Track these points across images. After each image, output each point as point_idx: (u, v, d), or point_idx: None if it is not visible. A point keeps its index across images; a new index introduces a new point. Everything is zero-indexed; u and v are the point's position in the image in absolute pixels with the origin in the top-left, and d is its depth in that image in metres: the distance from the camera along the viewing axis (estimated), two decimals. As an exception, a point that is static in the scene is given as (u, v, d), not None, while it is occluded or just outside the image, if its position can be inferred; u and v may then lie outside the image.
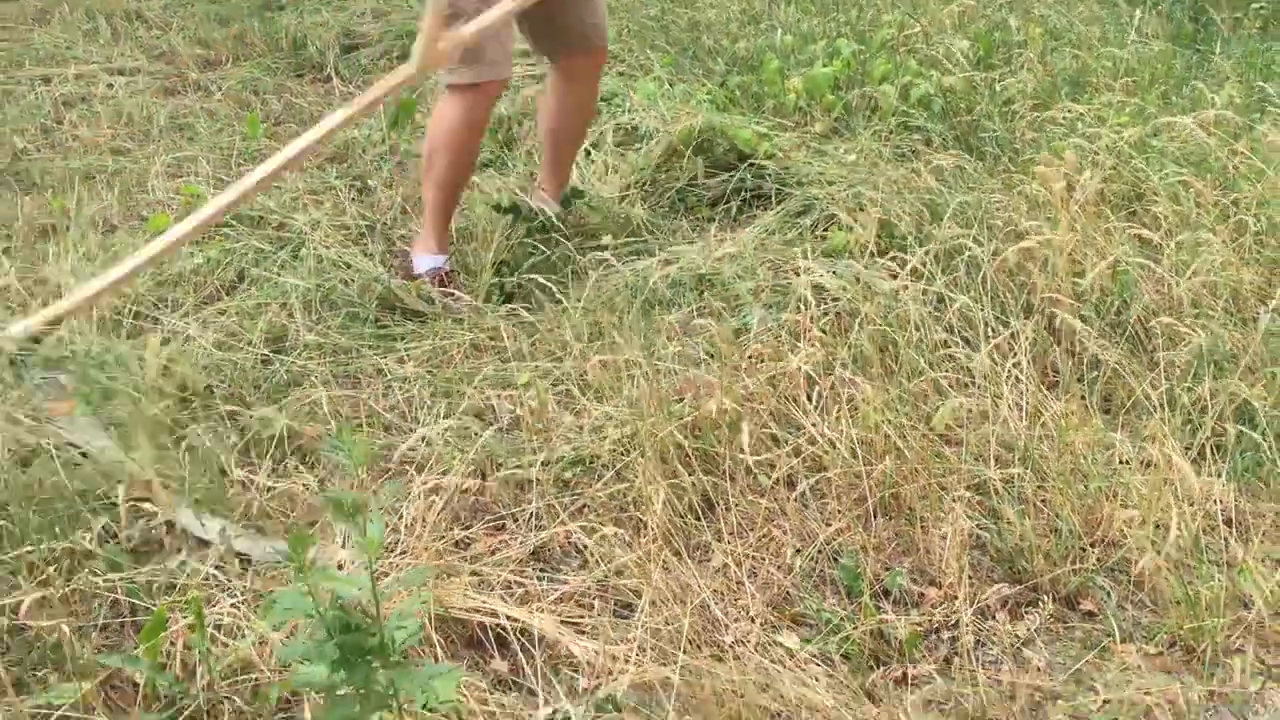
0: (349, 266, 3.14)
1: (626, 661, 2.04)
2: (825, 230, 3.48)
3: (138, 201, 3.54)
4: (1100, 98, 4.04)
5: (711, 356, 2.91)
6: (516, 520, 2.37)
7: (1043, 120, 3.90)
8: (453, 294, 3.13)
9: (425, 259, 3.22)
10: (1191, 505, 2.54)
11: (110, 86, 4.49)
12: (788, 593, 2.31)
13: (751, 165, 3.75)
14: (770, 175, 3.73)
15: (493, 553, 2.27)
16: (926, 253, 3.04)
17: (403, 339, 2.89)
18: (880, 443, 2.54)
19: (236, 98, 4.49)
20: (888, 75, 4.22)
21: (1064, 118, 3.86)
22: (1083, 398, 2.81)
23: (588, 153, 3.89)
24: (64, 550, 2.05)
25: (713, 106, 4.06)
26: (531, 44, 3.44)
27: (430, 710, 1.69)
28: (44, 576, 1.97)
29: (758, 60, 4.48)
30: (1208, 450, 2.69)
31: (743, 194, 3.70)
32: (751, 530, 2.41)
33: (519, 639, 2.11)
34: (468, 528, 2.34)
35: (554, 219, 3.39)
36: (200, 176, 3.68)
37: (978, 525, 2.47)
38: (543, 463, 2.51)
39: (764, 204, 3.67)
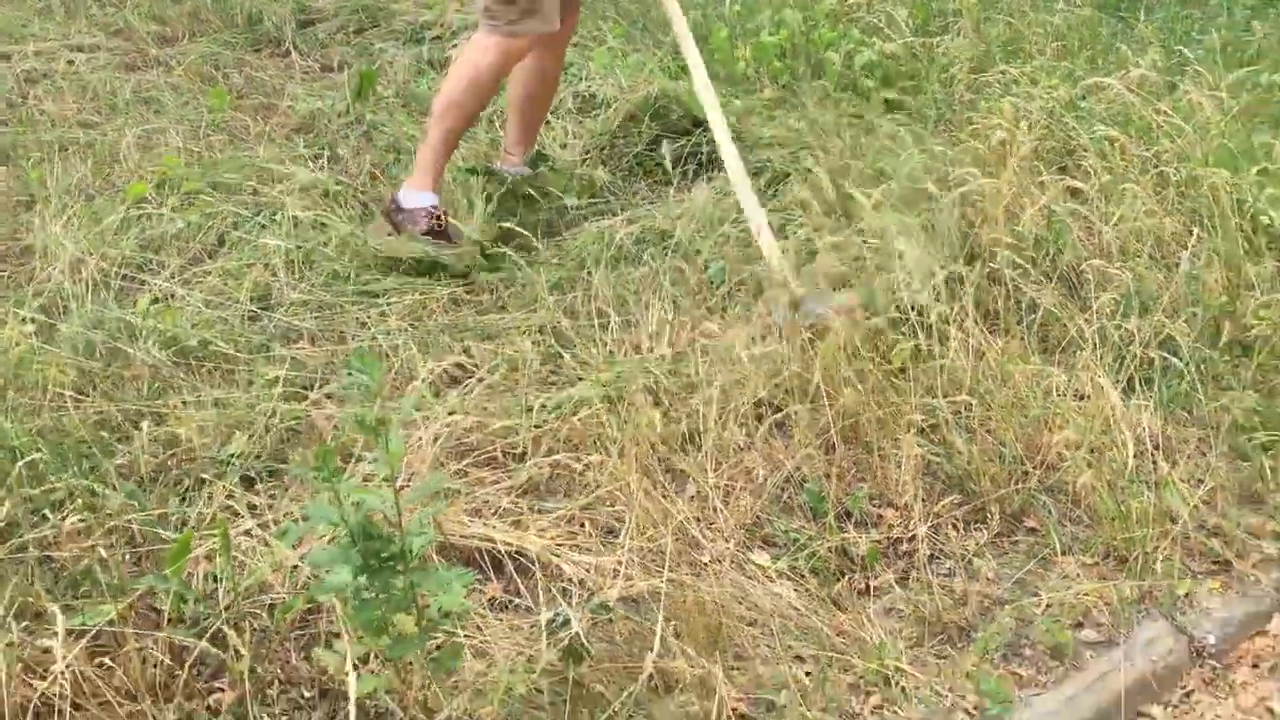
0: (325, 228, 3.26)
1: (615, 576, 2.22)
2: (778, 189, 3.67)
3: (112, 171, 3.63)
4: (1033, 62, 4.27)
5: (678, 306, 3.09)
6: (506, 455, 2.53)
7: (979, 83, 4.11)
8: (445, 238, 3.21)
9: (419, 195, 3.26)
10: (1122, 431, 2.77)
11: (71, 63, 4.54)
12: (758, 516, 2.50)
13: (705, 130, 3.92)
14: (724, 140, 3.90)
15: (485, 484, 2.43)
16: (875, 206, 3.24)
17: (384, 294, 3.03)
18: (840, 379, 2.73)
19: (198, 72, 4.56)
20: (832, 43, 4.41)
21: (999, 80, 4.08)
22: (1022, 338, 3.03)
23: (548, 121, 4.03)
24: (83, 488, 2.17)
25: (666, 75, 4.22)
26: None
27: (445, 615, 1.85)
28: (70, 509, 2.09)
29: (707, 30, 4.64)
30: (1136, 382, 2.92)
31: (698, 157, 3.87)
32: (724, 462, 2.59)
33: (514, 561, 2.28)
34: (460, 464, 2.49)
35: (525, 182, 3.53)
36: (171, 147, 3.76)
37: (929, 452, 2.68)
38: (526, 408, 2.68)
39: (719, 167, 3.84)
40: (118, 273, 2.99)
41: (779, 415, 2.70)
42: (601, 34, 4.74)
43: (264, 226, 3.29)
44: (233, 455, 2.41)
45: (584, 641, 1.99)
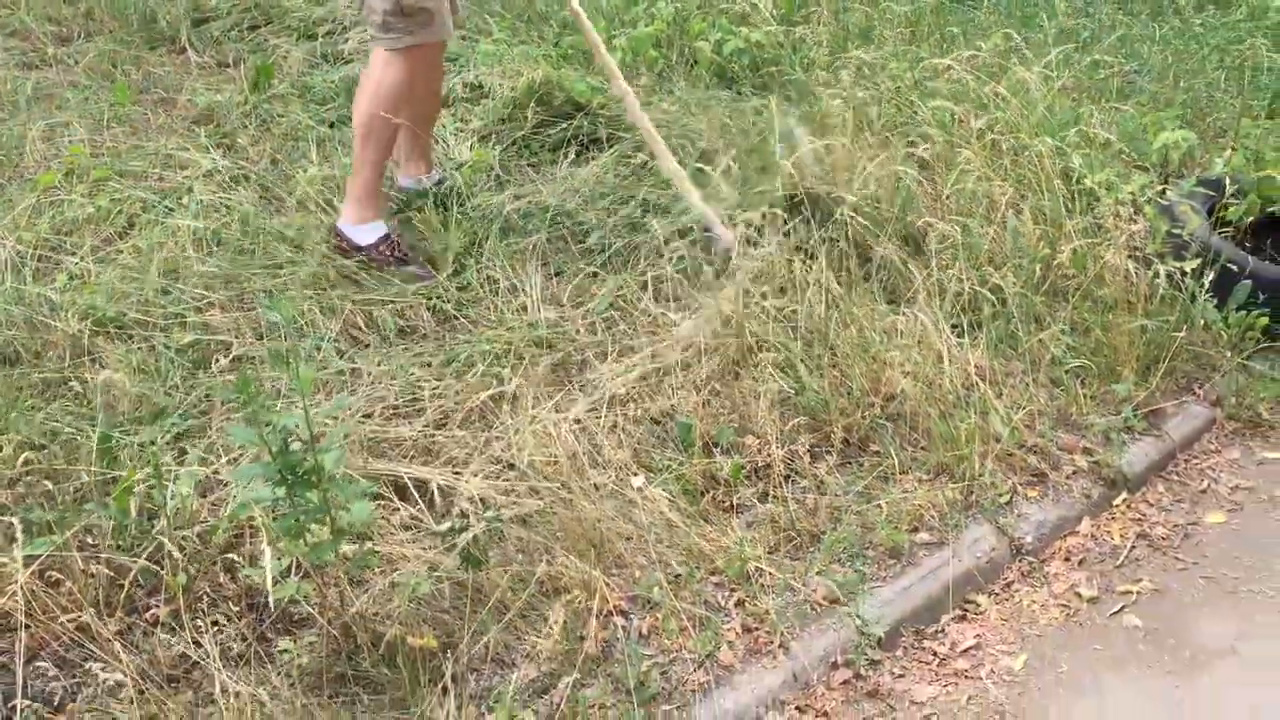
0: (229, 210, 3.49)
1: (509, 495, 2.52)
2: (653, 167, 3.98)
3: (19, 163, 3.80)
4: (885, 48, 4.66)
5: (560, 274, 3.39)
6: (410, 404, 2.81)
7: (836, 67, 4.49)
8: (409, 260, 3.32)
9: (370, 228, 3.32)
10: (954, 367, 3.15)
11: (-32, 63, 4.67)
12: (635, 449, 2.81)
13: (587, 114, 4.23)
14: (604, 123, 4.21)
15: (391, 423, 2.71)
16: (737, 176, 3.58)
17: (285, 266, 3.27)
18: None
19: (96, 69, 4.72)
20: (702, 32, 4.75)
21: (854, 65, 4.46)
22: (871, 292, 3.39)
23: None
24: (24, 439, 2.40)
25: (549, 64, 4.51)
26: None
27: (353, 527, 2.13)
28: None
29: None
30: (967, 325, 3.31)
31: (580, 139, 4.17)
32: (607, 404, 2.90)
33: (418, 489, 2.56)
34: (368, 415, 2.76)
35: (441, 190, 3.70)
36: (75, 140, 3.94)
37: (785, 388, 3.02)
38: (425, 362, 2.96)
39: (599, 148, 4.15)
40: (34, 254, 3.18)
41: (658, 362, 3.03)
42: (489, 26, 5.01)
43: (171, 210, 3.50)
44: (158, 410, 2.65)
45: (481, 548, 2.28)
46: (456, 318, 3.14)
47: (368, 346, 3.03)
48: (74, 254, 3.22)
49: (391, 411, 2.82)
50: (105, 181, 3.57)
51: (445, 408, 2.84)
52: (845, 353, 3.10)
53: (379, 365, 2.92)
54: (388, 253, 3.31)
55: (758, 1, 4.88)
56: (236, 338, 2.95)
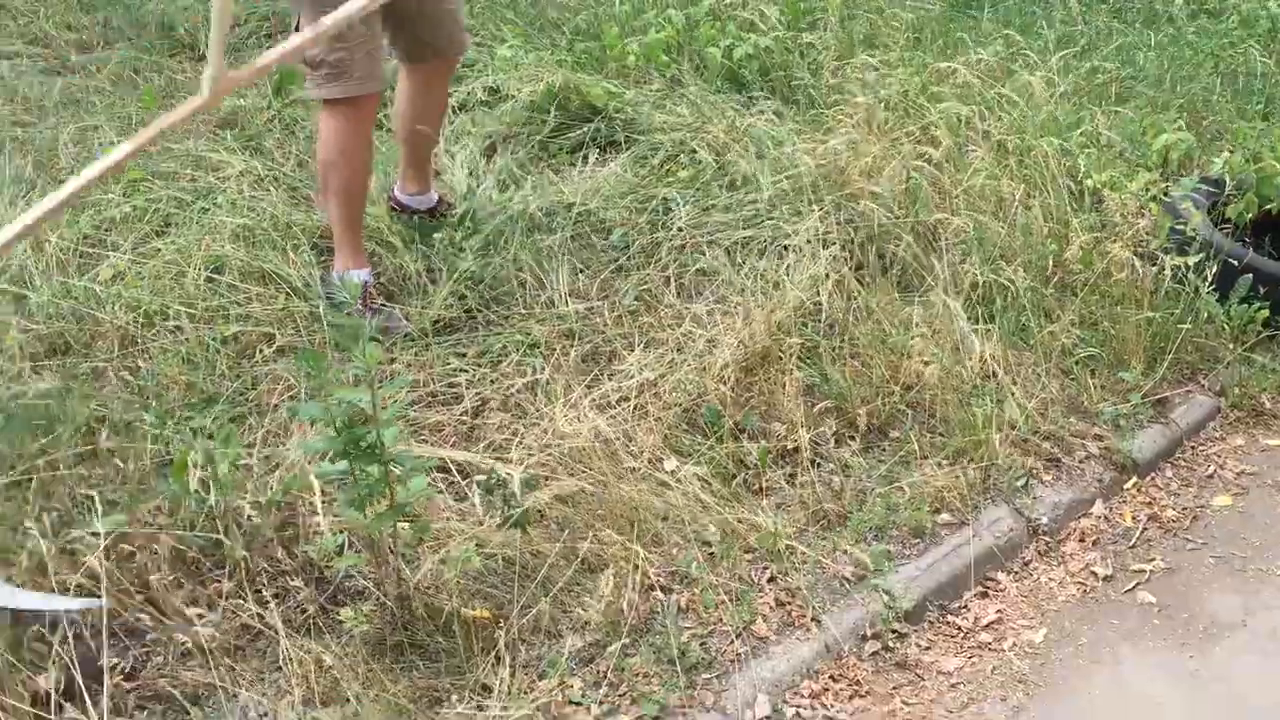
0: (264, 208, 3.58)
1: (548, 480, 2.62)
2: (670, 168, 4.10)
3: (51, 165, 3.89)
4: (891, 53, 4.79)
5: (586, 267, 3.50)
6: (448, 390, 2.91)
7: (844, 71, 4.61)
8: (385, 311, 3.21)
9: (355, 276, 3.18)
10: (969, 357, 3.26)
11: (-6, 69, 4.76)
12: (666, 435, 2.91)
13: (604, 118, 4.34)
14: (620, 126, 4.32)
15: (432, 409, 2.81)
16: (770, 182, 3.70)
17: (321, 260, 3.37)
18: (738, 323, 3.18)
19: (119, 76, 4.81)
20: (712, 38, 4.87)
21: (861, 70, 4.59)
22: (888, 286, 3.51)
23: (455, 111, 4.40)
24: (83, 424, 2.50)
25: (565, 69, 4.62)
26: (393, 48, 3.38)
27: (410, 501, 2.23)
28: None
29: (598, 29, 5.07)
30: (981, 316, 3.42)
31: (598, 142, 4.28)
32: (636, 393, 3.01)
33: (461, 472, 2.66)
34: (411, 403, 2.86)
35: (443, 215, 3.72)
36: (107, 143, 4.03)
37: (808, 377, 3.13)
38: (460, 353, 3.06)
39: (616, 150, 4.26)
40: (77, 250, 3.27)
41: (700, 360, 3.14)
42: (502, 34, 5.12)
43: (205, 210, 3.59)
44: (208, 397, 2.74)
45: (528, 516, 2.38)
46: (487, 311, 3.24)
47: (409, 337, 3.12)
48: (115, 250, 3.31)
49: (431, 398, 2.92)
50: (139, 182, 3.66)
51: (483, 395, 2.94)
52: (865, 343, 3.20)
53: (415, 356, 3.01)
54: (361, 304, 3.17)
55: (765, 9, 5.00)
56: (279, 329, 3.04)
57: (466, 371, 3.00)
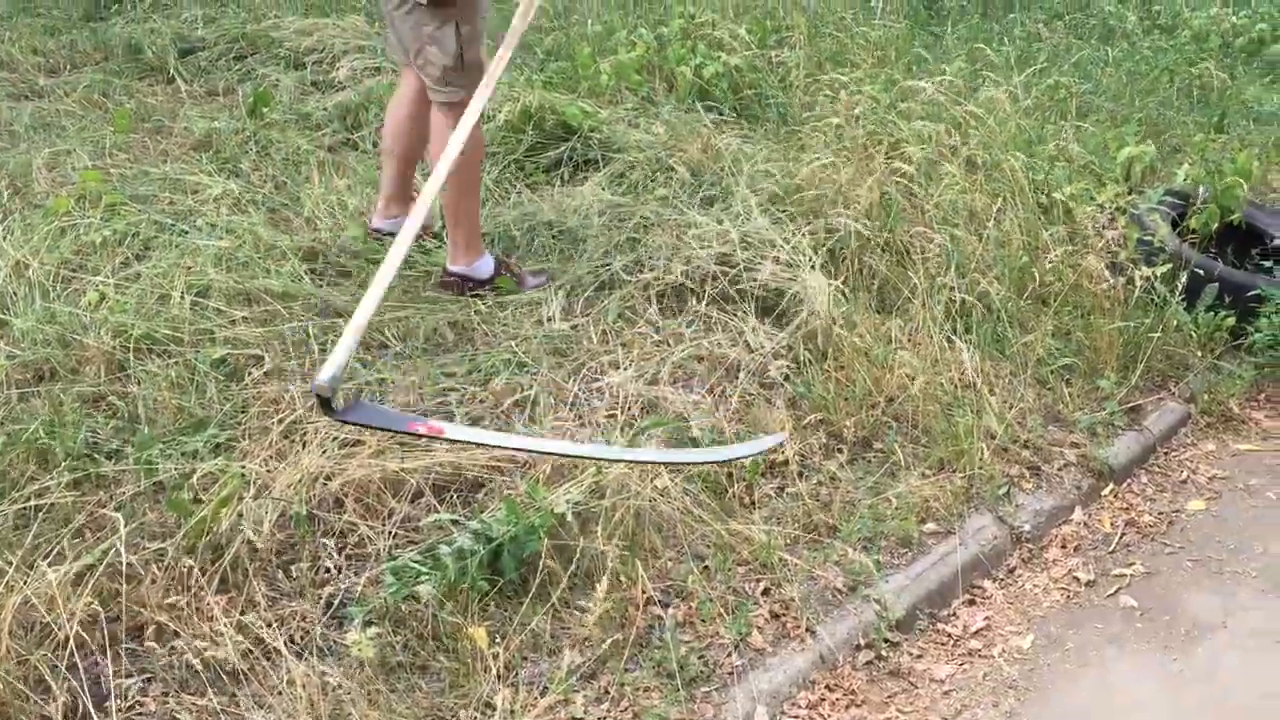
0: (243, 230, 3.58)
1: (546, 491, 2.64)
2: (647, 186, 4.14)
3: (26, 189, 3.86)
4: (858, 71, 4.87)
5: (569, 288, 3.52)
6: (439, 407, 2.93)
7: (814, 89, 4.69)
8: (538, 271, 3.54)
9: (485, 262, 3.45)
10: (950, 369, 3.33)
11: (-40, 94, 4.73)
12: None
13: (579, 137, 4.38)
14: (595, 144, 4.36)
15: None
16: (741, 198, 3.75)
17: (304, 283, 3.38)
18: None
19: (88, 100, 4.79)
20: (683, 58, 4.93)
21: (830, 87, 4.66)
22: (867, 300, 3.56)
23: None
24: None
25: (540, 88, 4.66)
26: (410, 62, 3.37)
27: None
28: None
29: (570, 50, 5.11)
30: (958, 328, 3.49)
31: (573, 161, 4.32)
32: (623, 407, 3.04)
33: (455, 488, 2.68)
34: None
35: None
36: (79, 168, 4.01)
37: (795, 389, 3.18)
38: (450, 372, 3.08)
39: (593, 168, 4.30)
40: (59, 274, 3.26)
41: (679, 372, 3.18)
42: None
43: (186, 232, 3.59)
44: (198, 421, 2.74)
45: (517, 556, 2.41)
46: (475, 330, 3.26)
47: (400, 355, 3.13)
48: (96, 275, 3.29)
49: (424, 414, 2.92)
50: (117, 206, 3.64)
51: (474, 413, 2.96)
52: (850, 356, 3.26)
53: (405, 376, 3.03)
54: (510, 273, 3.49)
55: (734, 28, 5.07)
56: (266, 351, 3.04)
57: (457, 390, 3.02)
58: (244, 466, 2.57)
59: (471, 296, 3.40)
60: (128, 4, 5.90)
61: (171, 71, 5.16)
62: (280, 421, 2.80)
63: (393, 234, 3.61)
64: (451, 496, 2.68)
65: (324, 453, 2.69)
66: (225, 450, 2.72)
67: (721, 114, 4.69)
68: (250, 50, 5.34)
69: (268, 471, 2.59)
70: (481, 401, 2.99)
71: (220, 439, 2.76)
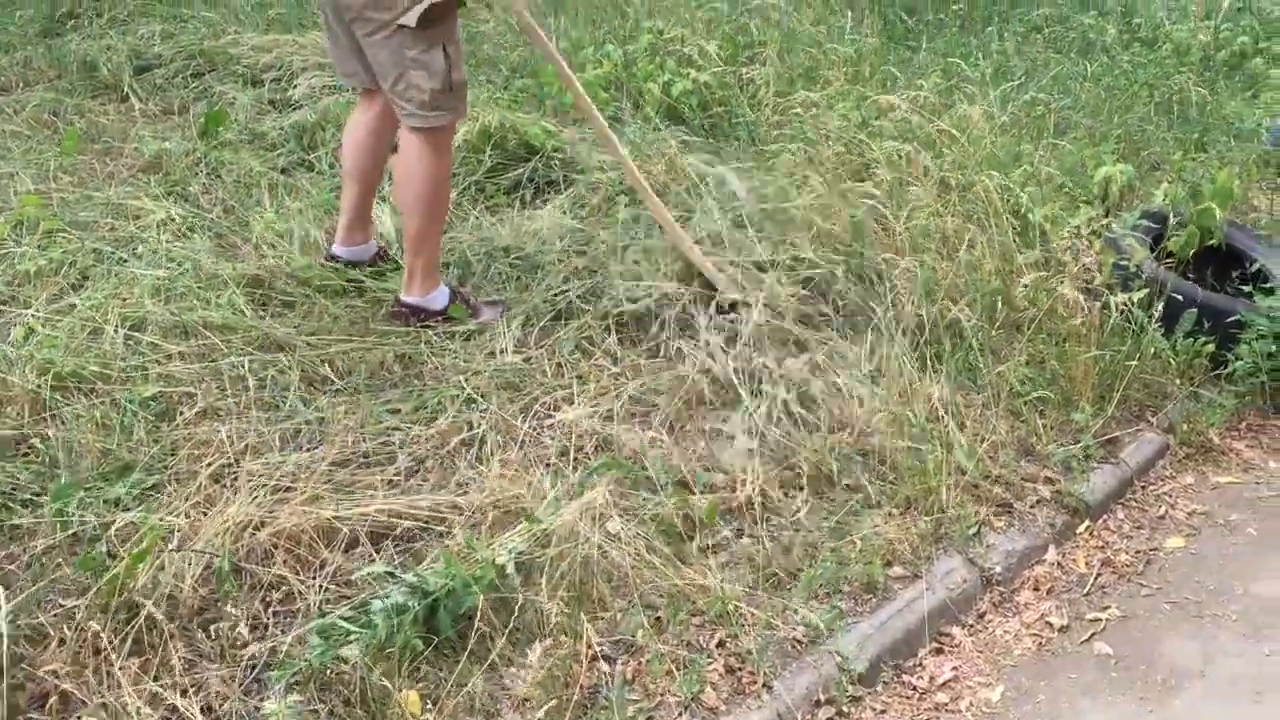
0: (186, 258, 3.44)
1: (490, 540, 2.50)
2: (610, 209, 4.01)
3: (-35, 217, 3.72)
4: (830, 88, 4.75)
5: (524, 317, 3.39)
6: (381, 449, 2.79)
7: (784, 107, 4.57)
8: (493, 302, 3.42)
9: (440, 293, 3.30)
10: (919, 401, 3.20)
11: (-97, 114, 4.58)
12: (609, 489, 2.80)
13: (541, 158, 4.25)
14: (558, 165, 4.23)
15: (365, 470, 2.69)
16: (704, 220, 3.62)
17: (270, 311, 3.24)
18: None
19: (38, 119, 4.64)
20: (651, 75, 4.80)
21: (801, 105, 4.54)
22: (833, 328, 3.44)
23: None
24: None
25: (501, 107, 4.53)
26: (376, 79, 3.18)
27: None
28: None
29: (535, 66, 4.98)
30: (929, 357, 3.36)
31: (536, 182, 4.19)
32: (576, 446, 2.90)
33: (392, 537, 2.54)
34: (340, 463, 2.74)
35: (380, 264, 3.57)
36: (20, 192, 3.86)
37: (759, 430, 3.04)
38: (394, 409, 2.94)
39: (555, 190, 4.17)
40: (-18, 308, 3.12)
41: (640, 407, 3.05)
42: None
43: (125, 260, 3.45)
44: (123, 466, 2.60)
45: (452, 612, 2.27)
46: (424, 363, 3.13)
47: (341, 392, 2.99)
48: (28, 308, 3.15)
49: (364, 459, 2.79)
50: (56, 233, 3.50)
51: (418, 453, 2.82)
52: (815, 387, 3.13)
53: (346, 414, 2.89)
54: (467, 304, 3.36)
55: (704, 44, 4.95)
56: (200, 389, 2.90)
57: (401, 430, 2.88)
58: (166, 518, 2.43)
59: (421, 327, 3.26)
60: (85, 19, 5.75)
61: (126, 89, 5.01)
62: (210, 465, 2.67)
63: (351, 262, 3.50)
64: (389, 546, 2.54)
65: (254, 499, 2.55)
66: (150, 496, 2.58)
67: (691, 133, 4.57)
68: (208, 67, 5.19)
69: (191, 523, 2.44)
70: (427, 441, 2.85)
71: (146, 484, 2.62)
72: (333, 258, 3.50)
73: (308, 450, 2.76)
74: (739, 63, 5.00)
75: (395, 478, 2.72)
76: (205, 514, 2.52)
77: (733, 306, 3.36)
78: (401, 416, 2.93)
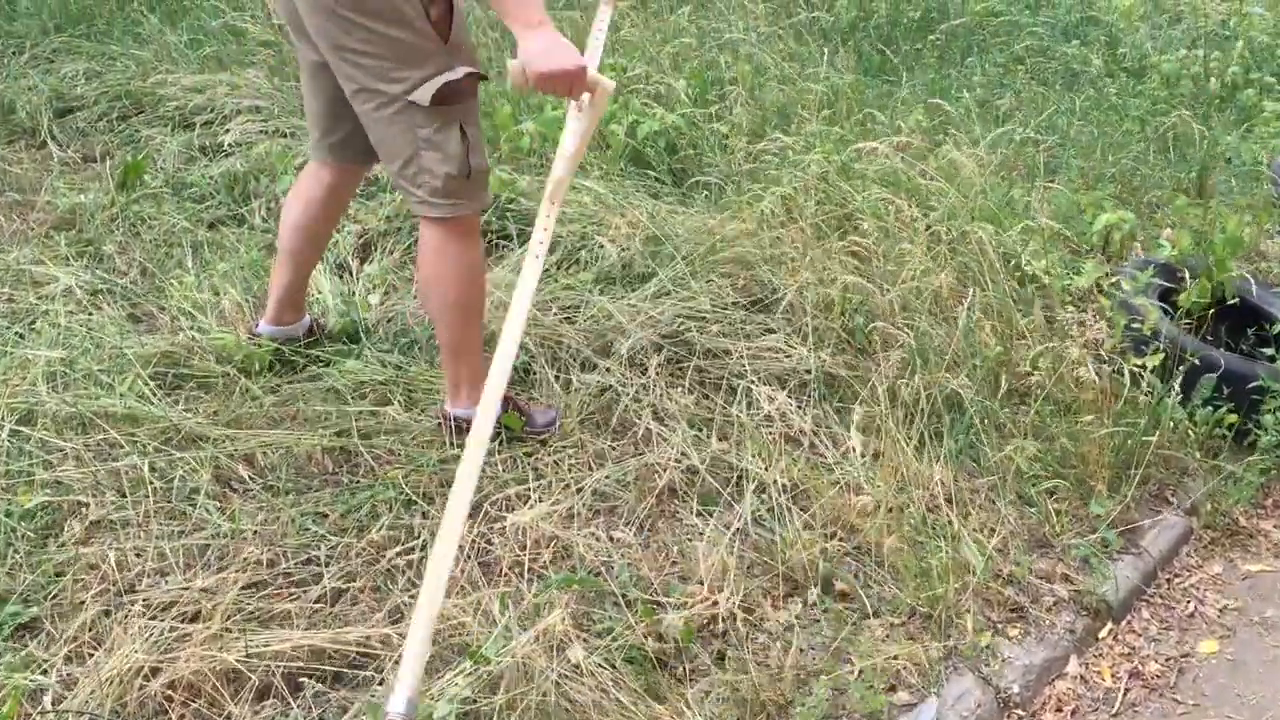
0: (91, 333, 3.05)
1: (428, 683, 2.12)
2: (572, 265, 3.65)
3: None
4: (806, 128, 4.41)
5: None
6: (304, 567, 2.40)
7: (757, 152, 4.22)
8: (544, 408, 2.99)
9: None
10: (918, 488, 2.85)
11: None
12: (572, 609, 2.43)
13: (495, 208, 3.88)
14: (513, 217, 3.86)
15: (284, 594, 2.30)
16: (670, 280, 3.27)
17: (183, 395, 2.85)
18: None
19: (-59, 169, 4.24)
20: (615, 115, 4.45)
21: (775, 149, 4.20)
22: (824, 409, 3.09)
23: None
24: None
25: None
26: (323, 141, 2.83)
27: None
28: None
29: (488, 106, 4.61)
30: (926, 436, 3.02)
31: (488, 236, 3.81)
32: (531, 557, 2.53)
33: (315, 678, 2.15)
34: (252, 585, 2.35)
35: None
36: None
37: (738, 529, 2.68)
38: (321, 514, 2.56)
39: (510, 244, 3.80)
40: None
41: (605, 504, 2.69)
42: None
43: (22, 336, 3.05)
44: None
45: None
46: (359, 456, 2.74)
47: (253, 494, 2.60)
48: (-101, 397, 2.75)
49: (283, 578, 2.40)
50: (-59, 305, 3.11)
51: (347, 570, 2.44)
52: (802, 476, 2.78)
53: (264, 524, 2.50)
54: (520, 412, 2.91)
55: (672, 82, 4.61)
56: (95, 496, 2.50)
57: (327, 539, 2.49)
58: (34, 676, 2.03)
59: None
60: (4, 58, 5.33)
61: (44, 134, 4.60)
62: (99, 595, 2.27)
63: (277, 341, 3.07)
64: (308, 693, 2.15)
65: (149, 636, 2.16)
66: (26, 634, 2.18)
67: (659, 180, 4.22)
68: (135, 109, 4.78)
69: (68, 675, 2.05)
70: (358, 555, 2.46)
71: (22, 618, 2.22)
72: (257, 335, 3.09)
73: (216, 571, 2.37)
74: (708, 101, 4.65)
75: (319, 603, 2.33)
76: (91, 655, 2.13)
77: None
78: (329, 524, 2.54)
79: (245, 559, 2.39)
